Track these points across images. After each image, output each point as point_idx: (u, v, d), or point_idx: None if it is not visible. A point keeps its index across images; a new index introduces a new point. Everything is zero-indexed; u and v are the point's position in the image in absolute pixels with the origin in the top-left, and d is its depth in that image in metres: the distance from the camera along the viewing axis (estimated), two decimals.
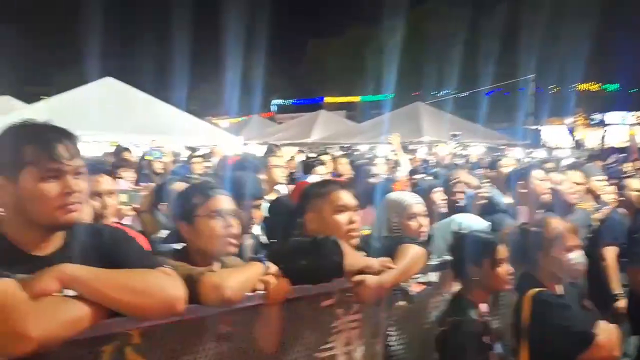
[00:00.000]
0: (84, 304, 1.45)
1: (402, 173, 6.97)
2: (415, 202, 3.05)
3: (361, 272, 2.16)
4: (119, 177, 4.56)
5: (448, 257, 2.80)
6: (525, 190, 3.89)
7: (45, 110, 12.13)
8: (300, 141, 19.44)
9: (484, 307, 2.67)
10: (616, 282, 4.23)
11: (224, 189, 2.22)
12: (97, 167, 3.36)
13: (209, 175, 5.44)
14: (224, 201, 2.14)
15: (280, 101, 47.52)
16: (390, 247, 2.44)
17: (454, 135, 7.75)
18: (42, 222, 1.50)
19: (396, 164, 7.68)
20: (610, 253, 4.29)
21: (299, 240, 2.22)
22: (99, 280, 1.47)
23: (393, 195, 3.15)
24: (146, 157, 5.63)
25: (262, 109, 32.29)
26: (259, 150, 15.09)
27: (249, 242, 2.92)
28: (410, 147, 15.54)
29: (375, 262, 2.26)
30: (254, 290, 1.94)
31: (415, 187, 3.98)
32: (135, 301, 1.50)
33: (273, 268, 2.04)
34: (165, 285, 1.58)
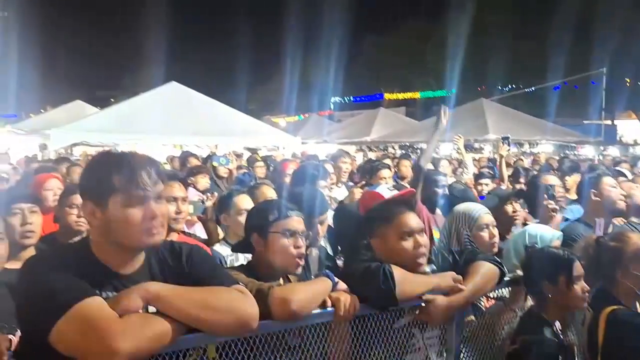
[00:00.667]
0: (166, 320, 1.52)
1: (468, 175, 6.79)
2: (484, 213, 2.97)
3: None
4: (190, 185, 4.74)
5: (520, 272, 2.69)
6: (598, 199, 3.67)
7: (114, 114, 12.82)
8: (359, 140, 19.36)
9: (558, 325, 2.56)
10: None
11: (291, 202, 2.28)
12: (172, 175, 3.52)
13: (268, 178, 5.51)
14: (297, 222, 2.22)
15: (338, 99, 47.52)
16: (462, 263, 2.38)
17: (505, 139, 7.43)
18: (127, 244, 1.59)
19: (460, 164, 7.49)
20: None
21: (354, 267, 2.23)
22: (178, 298, 1.54)
23: (462, 206, 3.06)
24: (213, 164, 5.79)
25: (320, 107, 32.40)
26: (317, 150, 15.22)
27: (315, 253, 2.95)
28: (475, 145, 15.10)
29: (442, 281, 2.22)
30: (322, 306, 1.95)
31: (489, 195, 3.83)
32: (211, 318, 1.57)
33: (342, 285, 2.05)
34: (240, 303, 1.64)
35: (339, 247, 3.39)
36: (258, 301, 1.71)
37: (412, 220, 2.29)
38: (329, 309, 1.96)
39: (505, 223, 3.49)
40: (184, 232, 3.05)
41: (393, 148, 17.32)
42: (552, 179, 4.40)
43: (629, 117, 33.34)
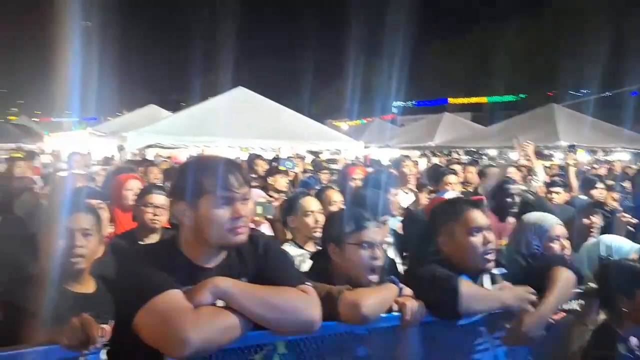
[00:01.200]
0: (234, 315, 1.61)
1: (539, 183, 6.55)
2: (556, 224, 2.88)
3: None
4: (270, 186, 4.85)
5: (593, 285, 2.60)
6: None
7: (185, 118, 13.40)
8: (423, 144, 19.08)
9: (634, 340, 2.45)
10: None
11: (356, 205, 2.29)
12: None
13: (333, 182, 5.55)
14: (375, 233, 2.22)
15: (401, 103, 47.02)
16: (539, 269, 2.33)
17: (571, 147, 7.08)
18: (214, 242, 1.72)
19: (530, 171, 7.23)
20: None
21: (420, 272, 2.23)
22: (244, 295, 1.63)
23: (533, 216, 2.99)
24: (280, 168, 5.95)
25: (382, 112, 32.20)
26: (380, 154, 15.15)
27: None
28: (545, 152, 14.49)
29: (513, 299, 2.16)
30: (389, 311, 1.99)
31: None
32: (274, 317, 1.65)
33: (407, 290, 2.07)
34: (303, 305, 1.70)
35: (405, 254, 3.39)
36: (327, 304, 1.78)
37: (479, 216, 2.27)
38: (395, 313, 2.00)
39: (581, 235, 3.38)
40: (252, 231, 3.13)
41: (458, 153, 16.91)
42: None
43: None
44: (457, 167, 5.79)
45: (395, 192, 3.64)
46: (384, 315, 1.97)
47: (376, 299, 1.95)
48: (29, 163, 5.78)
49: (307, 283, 1.80)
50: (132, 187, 3.88)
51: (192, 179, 1.69)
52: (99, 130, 17.97)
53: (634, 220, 3.92)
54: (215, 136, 12.20)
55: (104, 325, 1.61)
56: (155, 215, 3.20)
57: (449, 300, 2.05)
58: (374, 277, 2.16)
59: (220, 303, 1.63)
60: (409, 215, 3.23)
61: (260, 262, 1.80)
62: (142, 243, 3.15)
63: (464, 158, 14.01)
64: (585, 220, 3.58)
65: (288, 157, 5.79)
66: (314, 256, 2.48)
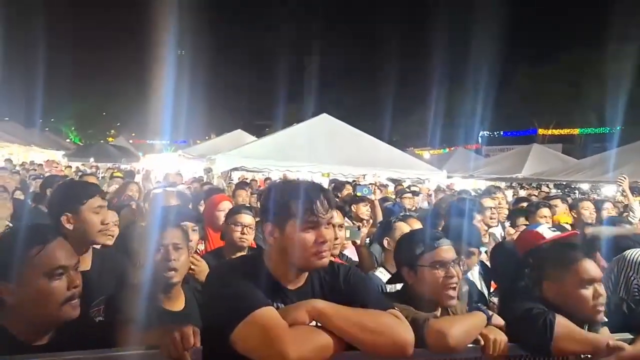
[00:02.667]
0: (329, 335, 1.66)
1: (635, 220, 6.13)
2: None
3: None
4: (353, 213, 4.91)
5: None
6: None
7: (269, 143, 13.89)
8: (510, 176, 18.39)
9: None
10: None
11: (444, 236, 2.27)
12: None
13: (419, 211, 5.51)
14: (447, 252, 2.19)
15: (487, 133, 45.71)
16: (637, 316, 2.20)
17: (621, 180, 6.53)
18: (298, 264, 1.77)
19: (626, 207, 6.80)
20: None
21: (514, 306, 2.14)
22: (339, 317, 1.68)
23: (634, 253, 2.80)
24: (357, 194, 6.00)
25: (466, 141, 31.47)
26: (464, 184, 14.78)
27: (465, 288, 2.90)
28: None
29: (602, 342, 2.03)
30: (475, 342, 1.94)
31: None
32: (368, 339, 1.67)
33: (497, 319, 2.01)
34: (397, 328, 1.71)
35: (493, 286, 3.29)
36: (413, 329, 1.76)
37: (592, 268, 2.16)
38: (479, 344, 1.94)
39: None
40: (338, 255, 3.18)
41: (547, 187, 16.13)
42: None
43: None
44: (557, 202, 5.52)
45: (480, 218, 3.56)
46: (469, 346, 1.93)
47: (463, 328, 1.91)
48: (137, 185, 6.01)
49: (395, 308, 1.81)
50: (225, 207, 3.97)
51: (281, 202, 1.76)
52: (188, 153, 19.03)
53: None
54: (297, 161, 12.51)
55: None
56: (243, 234, 3.29)
57: (542, 335, 1.97)
58: (452, 297, 2.13)
59: (312, 324, 1.68)
60: (498, 246, 3.13)
61: (341, 288, 1.83)
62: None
63: (554, 191, 13.35)
64: None
65: (367, 184, 5.80)
66: (390, 280, 2.49)
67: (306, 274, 1.83)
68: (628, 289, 2.70)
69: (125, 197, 5.36)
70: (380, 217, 4.98)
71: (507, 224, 4.98)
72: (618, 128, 26.65)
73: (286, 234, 1.74)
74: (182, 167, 15.27)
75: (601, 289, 2.13)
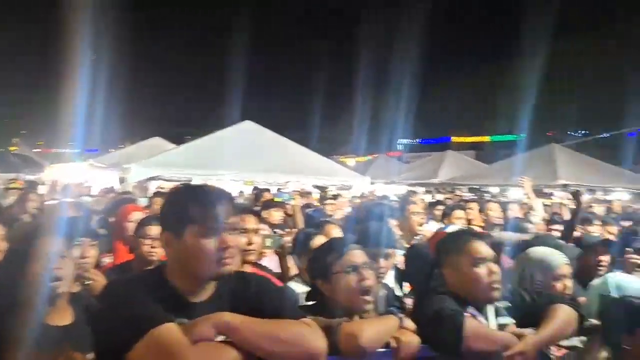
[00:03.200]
0: (236, 351, 1.57)
1: (537, 219, 6.54)
2: (564, 263, 2.83)
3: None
4: (264, 219, 4.80)
5: (595, 322, 2.55)
6: None
7: (190, 151, 13.43)
8: (427, 181, 19.16)
9: None
10: None
11: (356, 239, 2.29)
12: (245, 207, 3.61)
13: (340, 219, 5.54)
14: (358, 255, 2.18)
15: (406, 140, 47.41)
16: (539, 306, 2.29)
17: (565, 186, 7.14)
18: (200, 273, 1.66)
19: (530, 208, 7.24)
20: None
21: (425, 306, 2.18)
22: (248, 329, 1.59)
23: (537, 252, 2.93)
24: (275, 199, 5.94)
25: (388, 148, 32.44)
26: (386, 190, 15.16)
27: (382, 293, 2.92)
28: (545, 190, 14.57)
29: (511, 341, 2.11)
30: (387, 345, 1.95)
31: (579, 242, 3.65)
32: (279, 350, 1.60)
33: (408, 322, 2.03)
34: (309, 336, 1.65)
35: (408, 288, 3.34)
36: (326, 337, 1.72)
37: (483, 247, 2.25)
38: (390, 347, 1.95)
39: (587, 273, 3.34)
40: (257, 265, 3.09)
41: (461, 190, 16.97)
42: None
43: None
44: (473, 205, 5.76)
45: (395, 223, 3.62)
46: (380, 349, 1.93)
47: (375, 330, 1.91)
48: (38, 196, 5.60)
49: (307, 317, 1.76)
50: (135, 218, 3.78)
51: (179, 207, 1.66)
52: (100, 162, 18.03)
53: None
54: (219, 169, 12.11)
55: (88, 355, 1.57)
56: (152, 247, 3.13)
57: (451, 337, 2.01)
58: (368, 300, 2.12)
59: (220, 339, 1.58)
60: (411, 249, 3.19)
61: (252, 300, 1.74)
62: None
63: (467, 195, 14.03)
64: (594, 258, 3.55)
65: (287, 192, 5.72)
66: (307, 297, 2.41)
67: (213, 284, 1.71)
68: (531, 284, 2.81)
69: (16, 210, 5.00)
70: (301, 224, 4.95)
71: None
72: (523, 135, 28.65)
73: (185, 242, 1.63)
74: (93, 177, 14.46)
75: (494, 267, 2.22)
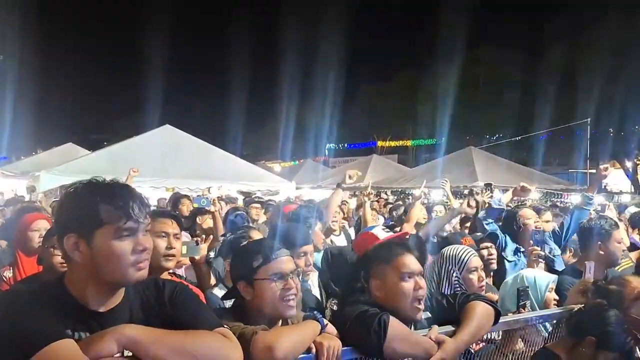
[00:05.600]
0: None
1: (456, 219, 6.80)
2: (473, 256, 2.95)
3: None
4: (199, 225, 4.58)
5: (513, 316, 2.65)
6: (602, 252, 3.64)
7: (106, 157, 12.75)
8: (353, 185, 19.46)
9: None
10: None
11: (273, 240, 2.21)
12: (165, 211, 3.42)
13: (264, 224, 5.45)
14: (286, 262, 2.09)
15: (333, 145, 48.04)
16: (458, 304, 2.33)
17: (487, 185, 7.54)
18: (112, 279, 1.51)
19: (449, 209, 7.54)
20: None
21: (348, 310, 2.14)
22: (155, 342, 1.45)
23: (450, 249, 3.02)
24: (194, 205, 5.74)
25: (315, 153, 32.70)
26: (312, 195, 15.21)
27: (304, 296, 2.86)
28: (465, 192, 15.26)
29: (432, 345, 2.10)
30: (308, 350, 1.88)
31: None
32: None
33: (330, 328, 1.98)
34: (222, 349, 1.55)
35: (329, 290, 3.31)
36: (242, 346, 1.64)
37: (412, 261, 2.23)
38: (312, 353, 1.88)
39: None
40: (174, 274, 2.92)
41: (386, 194, 17.40)
42: (528, 212, 4.57)
43: (613, 167, 34.02)
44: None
45: (320, 225, 3.60)
46: (301, 356, 1.86)
47: (293, 339, 1.82)
48: None
49: (224, 326, 1.66)
50: (40, 227, 3.53)
51: (87, 207, 1.49)
52: (9, 170, 16.78)
53: (542, 253, 4.14)
54: (138, 176, 11.63)
55: None
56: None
57: (376, 337, 1.97)
58: (291, 311, 2.05)
59: (126, 353, 1.44)
60: (331, 251, 3.16)
61: (166, 308, 1.61)
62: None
63: (392, 198, 14.39)
64: (482, 252, 3.74)
65: (206, 197, 5.50)
66: (225, 296, 2.32)
67: (122, 292, 1.57)
68: (450, 283, 2.90)
69: None
70: (221, 230, 4.80)
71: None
72: (443, 140, 30.01)
73: (95, 245, 1.48)
74: (1, 186, 13.45)
75: (422, 282, 2.22)
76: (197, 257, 3.25)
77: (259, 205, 7.16)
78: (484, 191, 6.02)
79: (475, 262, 2.93)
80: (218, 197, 5.81)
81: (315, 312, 2.08)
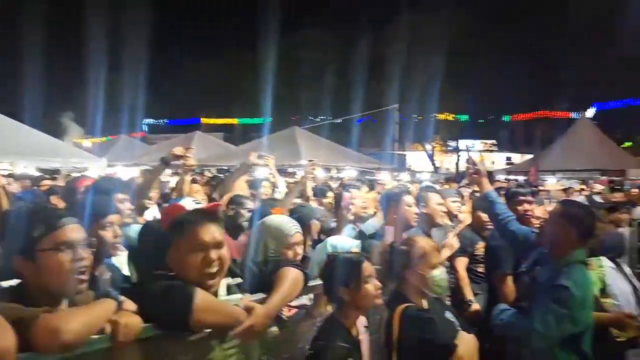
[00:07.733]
0: None
1: (281, 194, 6.96)
2: (296, 232, 2.91)
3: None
4: None
5: (319, 281, 2.76)
6: (395, 216, 4.03)
7: None
8: (175, 163, 18.72)
9: (357, 327, 2.67)
10: (468, 290, 4.55)
11: (69, 213, 1.96)
12: None
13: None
14: (73, 230, 1.88)
15: (152, 120, 45.57)
16: (269, 272, 2.34)
17: (310, 162, 8.01)
18: None
19: (274, 186, 7.67)
20: (460, 264, 4.64)
21: (150, 284, 2.00)
22: None
23: (273, 220, 2.97)
24: None
25: (131, 129, 30.44)
26: (128, 173, 14.20)
27: (107, 275, 2.61)
28: (289, 170, 15.75)
29: (242, 313, 2.07)
30: (103, 331, 1.72)
31: (294, 214, 3.86)
32: None
33: (128, 304, 1.83)
34: None
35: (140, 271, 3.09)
36: (19, 332, 1.46)
37: (206, 233, 2.10)
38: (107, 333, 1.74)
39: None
40: None
41: (210, 171, 17.07)
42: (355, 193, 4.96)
43: (417, 149, 39.08)
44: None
45: (123, 197, 3.31)
46: (94, 337, 1.69)
47: (82, 320, 1.65)
48: None
49: None
50: None
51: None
52: None
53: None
54: None
55: None
56: None
57: (181, 309, 1.88)
58: (82, 280, 1.86)
59: None
60: (143, 227, 2.93)
61: None
62: None
63: (219, 176, 14.16)
64: (312, 226, 3.90)
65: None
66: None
67: None
68: (265, 252, 2.86)
69: None
70: (5, 206, 4.17)
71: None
72: (269, 119, 30.53)
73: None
74: None
75: (215, 254, 2.11)
76: None
77: (49, 182, 6.42)
78: (307, 169, 6.18)
79: (297, 237, 2.90)
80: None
81: (110, 290, 1.91)
